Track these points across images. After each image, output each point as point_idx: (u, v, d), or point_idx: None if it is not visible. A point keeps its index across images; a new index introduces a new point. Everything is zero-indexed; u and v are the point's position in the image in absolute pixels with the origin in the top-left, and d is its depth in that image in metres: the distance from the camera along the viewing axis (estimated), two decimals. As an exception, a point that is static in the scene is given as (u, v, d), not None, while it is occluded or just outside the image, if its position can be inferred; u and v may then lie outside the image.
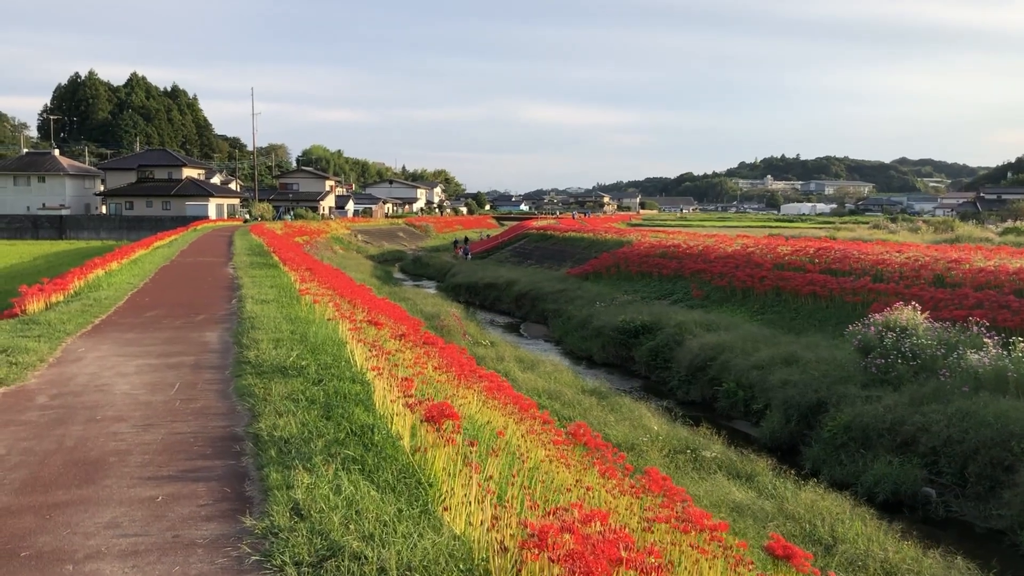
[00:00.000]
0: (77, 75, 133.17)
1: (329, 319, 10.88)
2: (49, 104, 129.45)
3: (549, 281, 34.27)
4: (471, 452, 4.68)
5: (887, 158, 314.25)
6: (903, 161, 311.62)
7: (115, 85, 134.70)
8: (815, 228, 77.38)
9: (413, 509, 4.15)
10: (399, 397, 5.64)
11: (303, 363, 7.74)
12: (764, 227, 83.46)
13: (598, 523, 3.45)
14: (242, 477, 4.73)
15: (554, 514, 3.46)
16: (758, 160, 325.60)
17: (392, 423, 5.74)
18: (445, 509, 4.11)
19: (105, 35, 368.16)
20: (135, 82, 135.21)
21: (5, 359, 7.98)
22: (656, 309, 24.42)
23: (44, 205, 69.88)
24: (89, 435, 5.62)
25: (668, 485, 6.32)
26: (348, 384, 6.84)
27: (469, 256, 53.19)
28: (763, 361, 16.80)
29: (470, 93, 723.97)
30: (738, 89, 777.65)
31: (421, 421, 5.02)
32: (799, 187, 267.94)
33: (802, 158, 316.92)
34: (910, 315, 14.89)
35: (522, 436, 7.71)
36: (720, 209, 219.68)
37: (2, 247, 52.14)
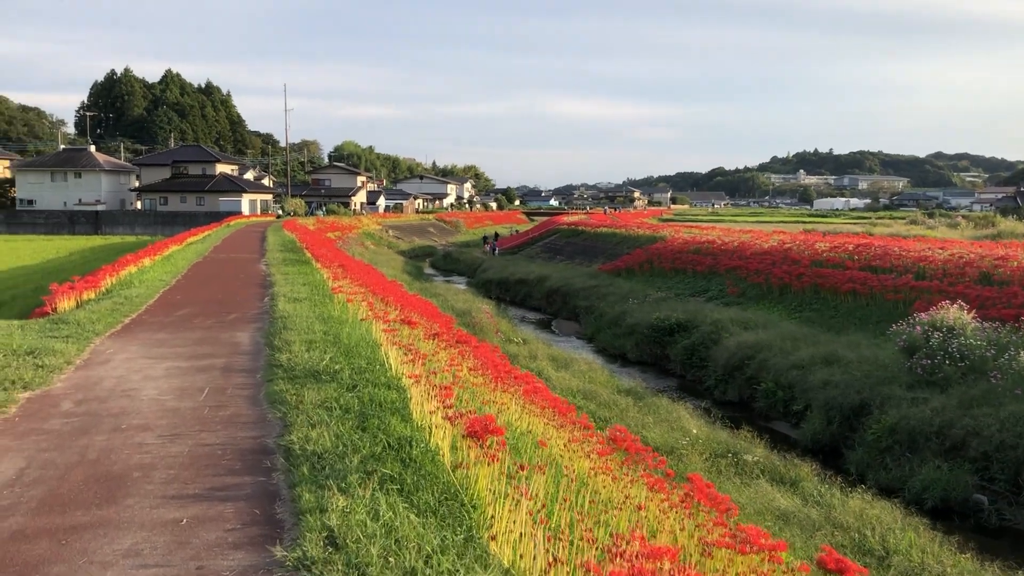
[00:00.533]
0: (113, 72, 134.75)
1: (362, 319, 10.60)
2: (86, 101, 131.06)
3: (580, 277, 33.91)
4: (520, 475, 4.32)
5: (922, 152, 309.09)
6: (939, 155, 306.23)
7: (150, 82, 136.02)
8: (850, 224, 76.18)
9: (457, 536, 3.81)
10: (438, 408, 5.30)
11: (336, 367, 7.43)
12: (797, 222, 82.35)
13: (666, 562, 3.09)
14: (273, 497, 4.42)
15: (616, 558, 3.09)
16: (790, 154, 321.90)
17: (430, 435, 5.41)
18: (492, 538, 3.76)
19: (141, 32, 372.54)
20: (170, 79, 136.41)
21: (32, 361, 7.76)
22: (691, 306, 23.98)
23: (80, 200, 70.60)
24: (113, 446, 5.35)
25: (713, 493, 5.98)
26: (383, 391, 6.52)
27: (496, 252, 52.90)
28: (803, 360, 16.35)
29: (500, 88, 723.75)
30: (770, 82, 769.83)
31: (463, 436, 4.69)
32: (832, 182, 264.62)
33: (835, 152, 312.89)
34: (957, 314, 14.35)
35: (564, 445, 7.36)
36: (752, 204, 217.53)
37: (39, 242, 52.75)
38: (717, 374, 18.31)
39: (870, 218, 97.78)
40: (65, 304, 12.12)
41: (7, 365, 7.51)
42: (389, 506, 3.99)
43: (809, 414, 14.51)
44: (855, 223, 78.26)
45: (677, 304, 24.71)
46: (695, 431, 13.59)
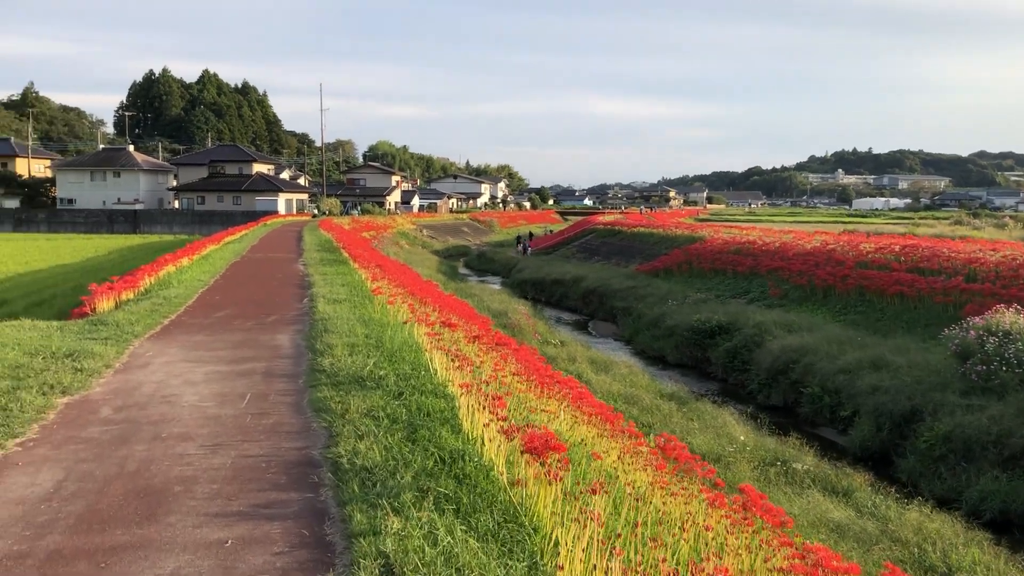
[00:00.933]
0: (151, 72, 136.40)
1: (404, 322, 10.36)
2: (125, 101, 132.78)
3: (617, 278, 33.52)
4: (584, 496, 4.01)
5: (964, 151, 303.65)
6: (982, 154, 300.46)
7: (188, 82, 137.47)
8: (891, 224, 74.88)
9: (519, 563, 3.51)
10: (492, 420, 5.01)
11: (381, 373, 7.18)
12: (837, 223, 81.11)
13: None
14: (321, 516, 4.15)
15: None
16: (828, 154, 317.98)
17: (482, 447, 5.13)
18: (560, 568, 3.45)
19: (179, 33, 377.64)
20: (207, 79, 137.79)
21: (71, 364, 7.59)
22: (732, 308, 23.53)
23: (119, 200, 71.44)
24: (153, 456, 5.13)
25: (767, 506, 5.64)
26: (431, 399, 6.25)
27: (528, 252, 52.58)
28: (850, 365, 15.92)
29: (534, 87, 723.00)
30: (808, 81, 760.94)
31: (521, 452, 4.40)
32: (871, 181, 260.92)
33: (874, 151, 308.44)
34: (1013, 318, 13.83)
35: (618, 457, 7.04)
36: (789, 204, 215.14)
37: (79, 241, 53.41)
38: (760, 378, 17.91)
39: (912, 218, 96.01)
40: (104, 305, 12.02)
41: (46, 368, 7.36)
42: (447, 529, 3.70)
43: (857, 420, 14.10)
44: (896, 223, 76.87)
45: (717, 306, 24.30)
46: (742, 438, 13.25)
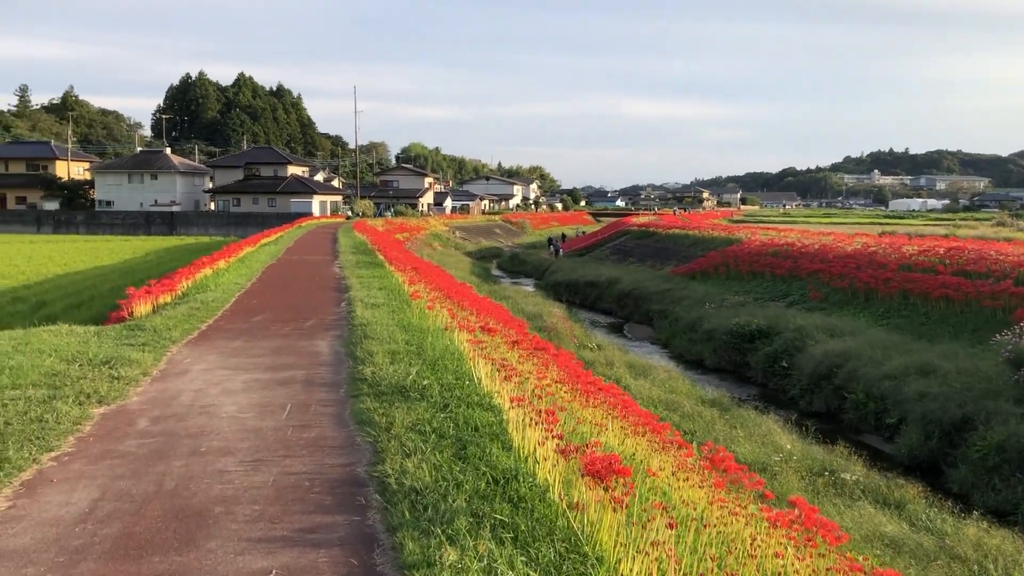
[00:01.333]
0: (188, 76, 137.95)
1: (445, 328, 10.13)
2: (162, 104, 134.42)
3: (653, 280, 33.17)
4: (652, 524, 3.71)
5: (1004, 151, 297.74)
6: (1023, 154, 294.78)
7: (223, 85, 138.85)
8: (930, 225, 73.51)
9: (586, 601, 3.22)
10: (548, 438, 4.73)
11: (424, 382, 6.92)
12: (873, 224, 79.89)
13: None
14: (370, 542, 3.88)
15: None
16: (864, 154, 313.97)
17: (535, 466, 4.84)
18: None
19: (215, 37, 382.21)
20: (242, 82, 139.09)
21: (108, 372, 7.43)
22: (771, 311, 23.10)
23: (156, 202, 72.17)
24: (192, 473, 4.90)
25: (822, 520, 5.31)
26: (478, 412, 5.98)
27: (560, 253, 52.24)
28: (895, 370, 15.49)
29: (565, 88, 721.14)
30: (842, 80, 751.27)
31: (580, 474, 4.11)
32: (908, 182, 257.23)
33: (911, 152, 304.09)
34: (1069, 324, 13.30)
35: (672, 473, 6.73)
36: (824, 205, 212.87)
37: (117, 242, 53.99)
38: (802, 383, 17.55)
39: (951, 220, 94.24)
40: (141, 309, 11.92)
41: (83, 376, 7.19)
42: (506, 561, 3.42)
43: (904, 428, 13.70)
44: (936, 225, 75.47)
45: (756, 309, 23.91)
46: (788, 447, 12.89)
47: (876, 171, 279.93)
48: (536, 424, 5.23)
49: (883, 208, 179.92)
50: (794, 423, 14.73)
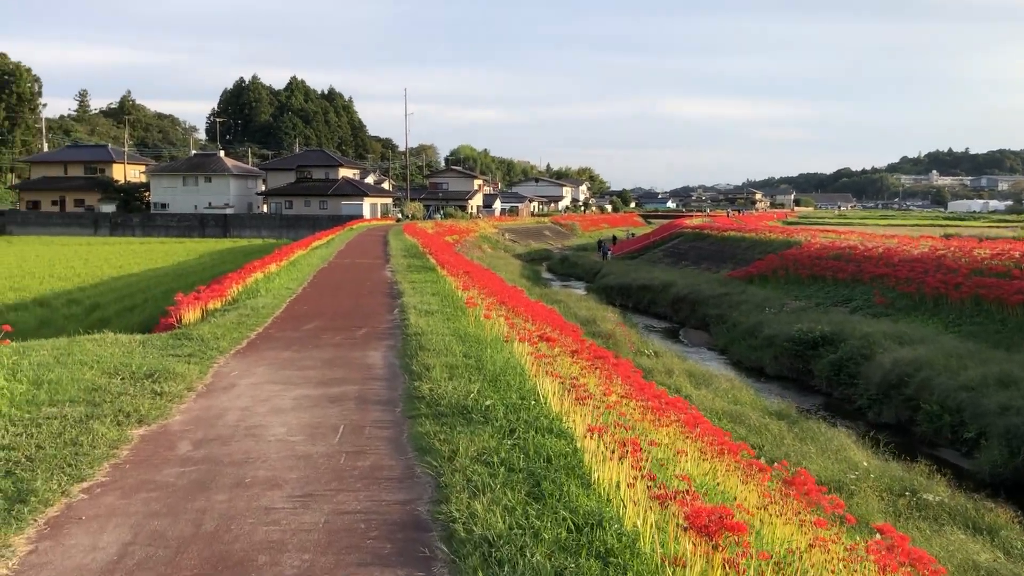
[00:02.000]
0: (242, 80, 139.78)
1: (504, 339, 9.56)
2: (216, 108, 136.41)
3: (709, 284, 32.45)
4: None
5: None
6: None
7: (276, 89, 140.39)
8: (994, 227, 71.23)
9: None
10: (637, 478, 4.10)
11: (487, 403, 6.33)
12: (933, 226, 77.71)
13: None
14: (438, 609, 3.31)
15: None
16: (922, 154, 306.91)
17: (621, 509, 4.23)
18: None
19: (268, 41, 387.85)
20: (295, 85, 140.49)
21: (150, 387, 6.97)
22: (835, 317, 22.30)
23: (210, 204, 72.96)
24: (235, 511, 4.36)
25: (916, 552, 4.63)
26: (548, 439, 5.37)
27: (609, 256, 51.49)
28: (973, 381, 14.73)
29: (613, 89, 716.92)
30: (899, 79, 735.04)
31: (683, 528, 3.48)
32: (968, 183, 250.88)
33: (971, 151, 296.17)
34: None
35: (763, 507, 6.07)
36: (881, 206, 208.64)
37: (171, 244, 54.60)
38: (870, 393, 16.88)
39: (1017, 222, 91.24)
40: (190, 315, 11.54)
41: (124, 392, 6.74)
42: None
43: (985, 443, 12.93)
44: (1000, 227, 73.09)
45: (818, 314, 23.16)
46: (864, 464, 12.16)
47: (934, 171, 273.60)
48: (616, 455, 4.61)
49: (942, 210, 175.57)
50: (865, 436, 14.01)
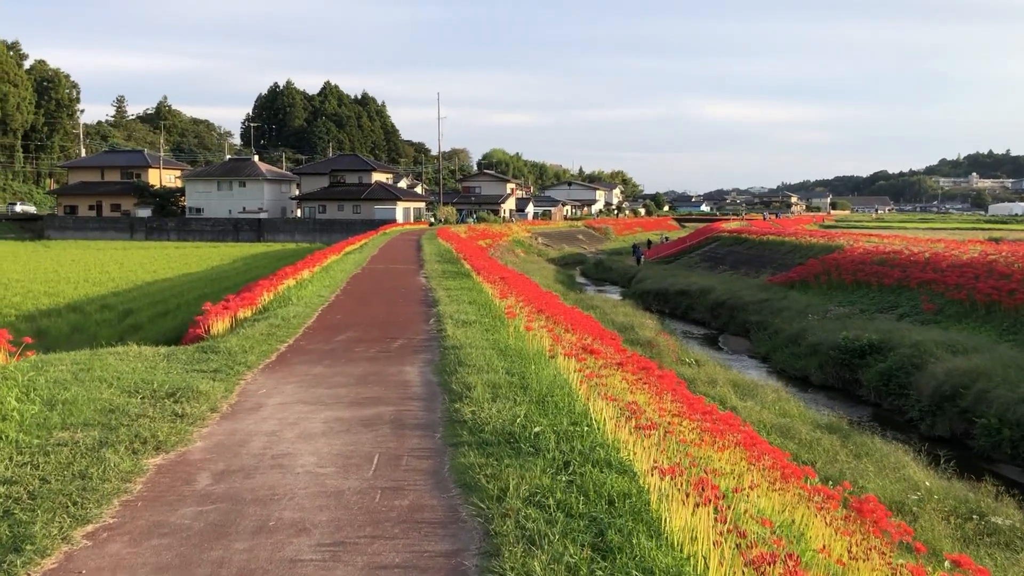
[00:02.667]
0: (276, 85, 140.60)
1: (546, 352, 8.97)
2: (251, 113, 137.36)
3: (748, 289, 31.70)
4: None
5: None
6: None
7: (310, 94, 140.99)
8: (1040, 231, 69.27)
9: None
10: (726, 533, 3.50)
11: (536, 429, 5.74)
12: (974, 229, 75.93)
13: None
14: None
15: None
16: (961, 156, 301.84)
17: (698, 565, 3.63)
18: None
19: (302, 46, 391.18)
20: (328, 90, 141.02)
21: (171, 408, 6.45)
22: (882, 325, 21.52)
23: (244, 209, 73.20)
24: (257, 563, 3.81)
25: None
26: (609, 475, 4.76)
27: (642, 260, 50.74)
28: (1034, 393, 13.84)
29: (646, 92, 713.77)
30: (936, 80, 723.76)
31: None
32: (1009, 185, 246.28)
33: (1012, 153, 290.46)
34: None
35: (836, 537, 5.45)
36: (919, 209, 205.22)
37: (206, 249, 54.70)
38: (922, 404, 16.22)
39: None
40: (218, 326, 11.08)
41: (143, 414, 6.23)
42: None
43: (1050, 460, 12.21)
44: (1046, 230, 71.06)
45: (864, 322, 22.43)
46: (927, 483, 11.44)
47: (974, 174, 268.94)
48: (692, 500, 4.02)
49: (982, 212, 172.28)
50: (920, 451, 13.31)
